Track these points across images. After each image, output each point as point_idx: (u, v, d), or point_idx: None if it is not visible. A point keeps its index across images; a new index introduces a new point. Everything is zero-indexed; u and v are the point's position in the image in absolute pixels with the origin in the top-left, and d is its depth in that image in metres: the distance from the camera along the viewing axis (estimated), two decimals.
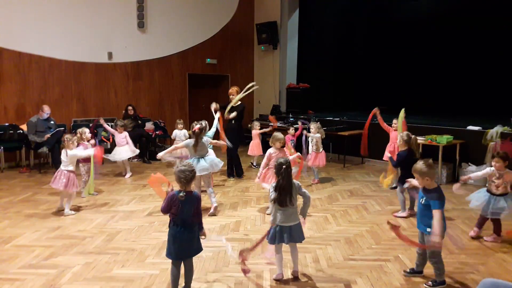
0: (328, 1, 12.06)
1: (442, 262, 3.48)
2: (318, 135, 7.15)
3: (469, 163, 7.19)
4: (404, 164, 5.04)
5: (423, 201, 3.41)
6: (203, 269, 3.74)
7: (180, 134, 8.17)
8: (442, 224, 3.27)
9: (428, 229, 3.36)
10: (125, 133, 7.58)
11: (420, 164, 3.43)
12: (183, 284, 3.31)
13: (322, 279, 3.60)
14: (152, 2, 10.02)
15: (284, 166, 3.42)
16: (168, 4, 10.33)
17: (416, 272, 3.68)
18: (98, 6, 9.22)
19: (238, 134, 7.51)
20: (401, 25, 11.78)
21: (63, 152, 5.32)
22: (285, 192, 3.43)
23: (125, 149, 7.47)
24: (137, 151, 7.76)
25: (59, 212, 5.38)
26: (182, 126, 8.29)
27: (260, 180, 5.41)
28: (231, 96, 7.28)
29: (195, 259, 3.37)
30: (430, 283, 3.49)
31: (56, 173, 5.29)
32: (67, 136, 5.41)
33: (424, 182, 3.41)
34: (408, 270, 3.71)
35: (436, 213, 3.26)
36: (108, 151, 7.71)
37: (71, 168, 5.29)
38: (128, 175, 7.53)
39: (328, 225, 5.01)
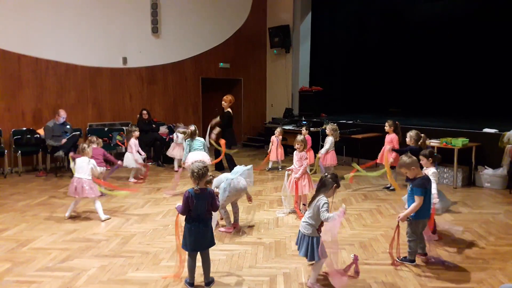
0: (340, 4, 12.04)
1: (416, 244, 3.89)
2: (332, 138, 7.40)
3: (485, 166, 7.07)
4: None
5: (409, 188, 3.87)
6: (217, 273, 3.74)
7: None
8: (415, 209, 3.72)
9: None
10: (135, 141, 7.48)
11: (403, 159, 3.85)
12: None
13: None
14: (166, 8, 10.13)
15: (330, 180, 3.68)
16: (182, 9, 10.43)
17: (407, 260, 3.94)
18: (112, 12, 9.36)
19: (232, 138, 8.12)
20: (414, 26, 11.68)
21: (86, 160, 5.32)
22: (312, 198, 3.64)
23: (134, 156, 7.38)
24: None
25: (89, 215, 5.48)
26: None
27: (288, 185, 5.56)
28: (223, 103, 8.01)
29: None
30: (401, 257, 3.95)
31: (88, 184, 5.21)
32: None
33: (412, 173, 3.82)
34: (400, 258, 3.97)
35: (416, 199, 3.72)
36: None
37: None
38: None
39: (342, 229, 4.96)
